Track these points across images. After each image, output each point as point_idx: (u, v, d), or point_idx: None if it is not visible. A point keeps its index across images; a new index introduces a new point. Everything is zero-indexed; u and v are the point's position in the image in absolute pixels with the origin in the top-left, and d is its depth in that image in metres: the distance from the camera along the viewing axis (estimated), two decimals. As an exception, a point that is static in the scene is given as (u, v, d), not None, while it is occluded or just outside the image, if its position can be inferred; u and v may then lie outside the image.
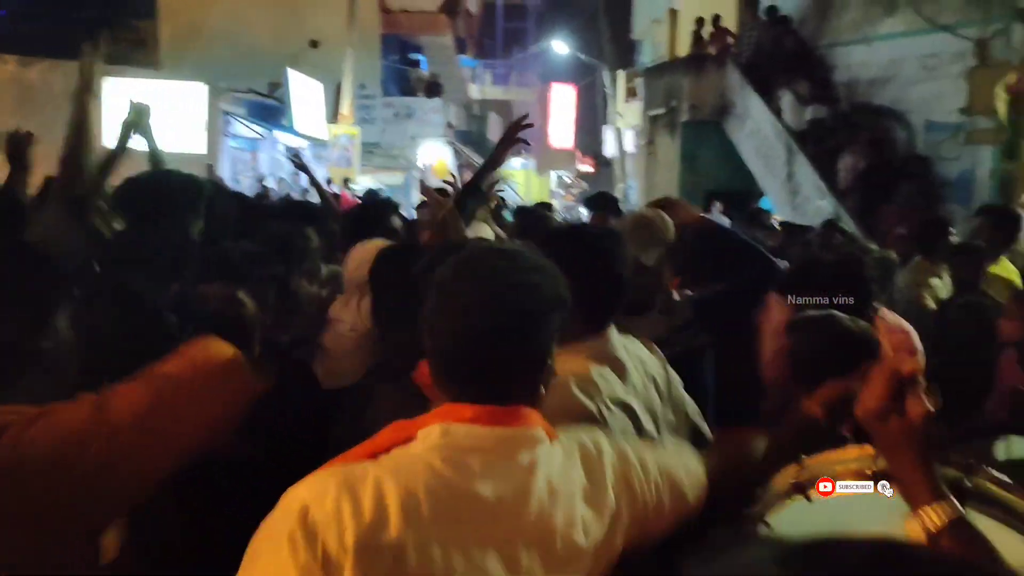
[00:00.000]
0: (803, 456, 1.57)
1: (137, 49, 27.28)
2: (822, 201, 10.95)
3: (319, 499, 1.14)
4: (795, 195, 11.70)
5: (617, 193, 22.38)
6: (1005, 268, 4.65)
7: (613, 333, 1.97)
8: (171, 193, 2.86)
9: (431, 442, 1.24)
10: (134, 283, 1.74)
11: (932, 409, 1.24)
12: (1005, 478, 1.42)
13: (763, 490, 1.59)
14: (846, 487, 1.23)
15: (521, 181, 32.82)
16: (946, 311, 3.85)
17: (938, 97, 10.54)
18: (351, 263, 3.04)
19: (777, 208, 12.39)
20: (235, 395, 1.44)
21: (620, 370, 1.90)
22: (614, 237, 2.05)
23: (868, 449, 1.45)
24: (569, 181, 36.54)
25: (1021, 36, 9.12)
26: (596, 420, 1.71)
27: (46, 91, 16.39)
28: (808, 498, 1.47)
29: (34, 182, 11.84)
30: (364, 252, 2.90)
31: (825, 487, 1.30)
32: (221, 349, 1.45)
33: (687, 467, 1.53)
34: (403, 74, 25.41)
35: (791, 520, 1.50)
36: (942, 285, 4.41)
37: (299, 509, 1.14)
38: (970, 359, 3.03)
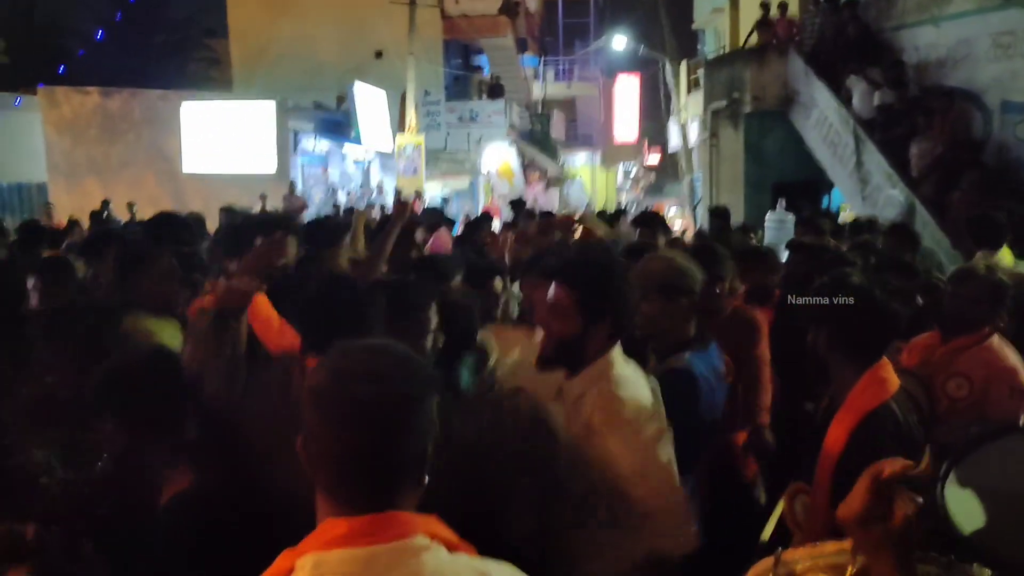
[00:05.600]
0: (779, 549, 1.52)
1: (212, 68, 28.38)
2: (893, 190, 10.67)
3: None
4: (865, 184, 11.42)
5: (683, 187, 22.16)
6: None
7: (618, 351, 2.28)
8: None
9: None
10: None
11: (916, 509, 1.21)
12: (987, 573, 1.37)
13: None
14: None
15: (587, 178, 32.78)
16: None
17: (1013, 76, 10.17)
18: None
19: (847, 198, 12.15)
20: None
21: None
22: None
23: (846, 544, 1.39)
24: (635, 174, 36.26)
25: (1099, 9, 8.73)
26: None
27: (127, 119, 17.13)
28: None
29: (118, 207, 12.25)
30: None
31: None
32: None
33: None
34: (465, 78, 25.66)
35: None
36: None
37: None
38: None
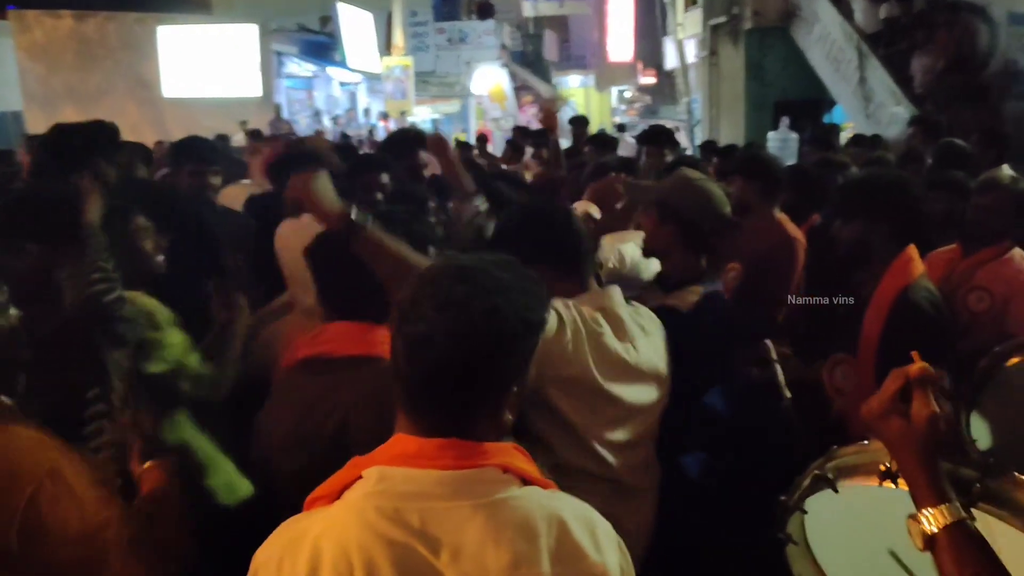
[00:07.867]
0: (834, 447, 1.57)
1: (189, -10, 27.36)
2: (897, 107, 10.38)
3: (267, 562, 1.17)
4: (868, 102, 11.11)
5: (680, 108, 21.71)
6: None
7: (616, 292, 2.15)
8: None
9: (368, 488, 1.17)
10: None
11: (940, 411, 1.20)
12: None
13: (800, 477, 1.62)
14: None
15: (581, 100, 32.16)
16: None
17: (1023, -14, 9.78)
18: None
19: (850, 116, 11.84)
20: None
21: (618, 325, 2.07)
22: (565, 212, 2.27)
23: None
24: (630, 96, 35.60)
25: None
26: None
27: (103, 45, 16.51)
28: (835, 489, 1.49)
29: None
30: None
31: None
32: None
33: None
34: (454, -3, 24.84)
35: (821, 509, 1.56)
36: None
37: (253, 571, 1.18)
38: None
